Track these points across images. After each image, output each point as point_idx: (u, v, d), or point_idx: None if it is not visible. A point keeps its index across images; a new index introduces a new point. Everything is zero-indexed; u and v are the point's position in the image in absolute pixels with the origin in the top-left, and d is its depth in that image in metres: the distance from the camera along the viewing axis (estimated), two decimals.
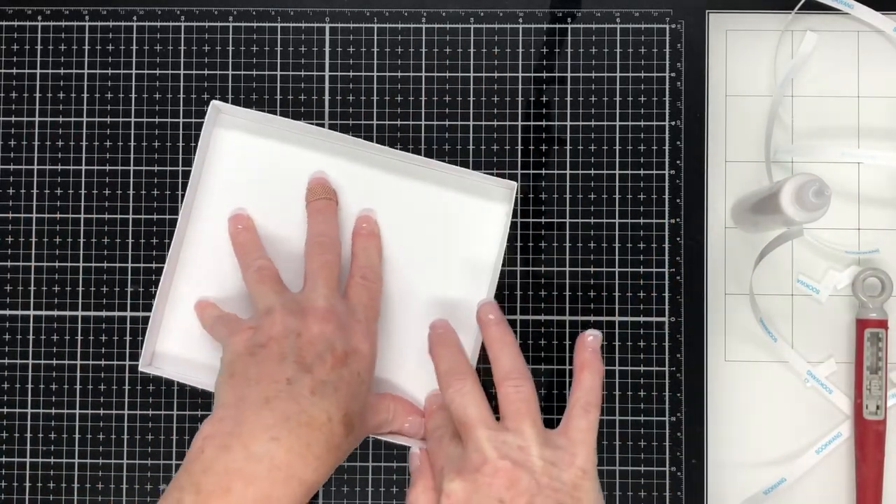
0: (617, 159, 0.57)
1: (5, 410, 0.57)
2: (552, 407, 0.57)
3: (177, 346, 0.54)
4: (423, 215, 0.55)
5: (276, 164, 0.55)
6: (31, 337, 0.57)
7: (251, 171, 0.55)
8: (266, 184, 0.55)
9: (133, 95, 0.58)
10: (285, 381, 0.45)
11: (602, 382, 0.48)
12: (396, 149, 0.55)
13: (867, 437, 0.55)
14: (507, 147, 0.58)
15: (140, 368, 0.53)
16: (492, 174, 0.55)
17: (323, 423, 0.45)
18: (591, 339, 0.49)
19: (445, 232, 0.54)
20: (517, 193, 0.55)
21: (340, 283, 0.51)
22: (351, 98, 0.58)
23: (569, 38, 0.58)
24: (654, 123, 0.58)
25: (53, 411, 0.57)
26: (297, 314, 0.48)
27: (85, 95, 0.58)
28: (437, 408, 0.52)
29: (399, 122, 0.58)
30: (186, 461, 0.45)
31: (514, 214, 0.57)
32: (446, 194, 0.55)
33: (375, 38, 0.58)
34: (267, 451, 0.44)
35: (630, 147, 0.57)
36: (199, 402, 0.57)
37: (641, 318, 0.57)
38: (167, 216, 0.58)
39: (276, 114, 0.58)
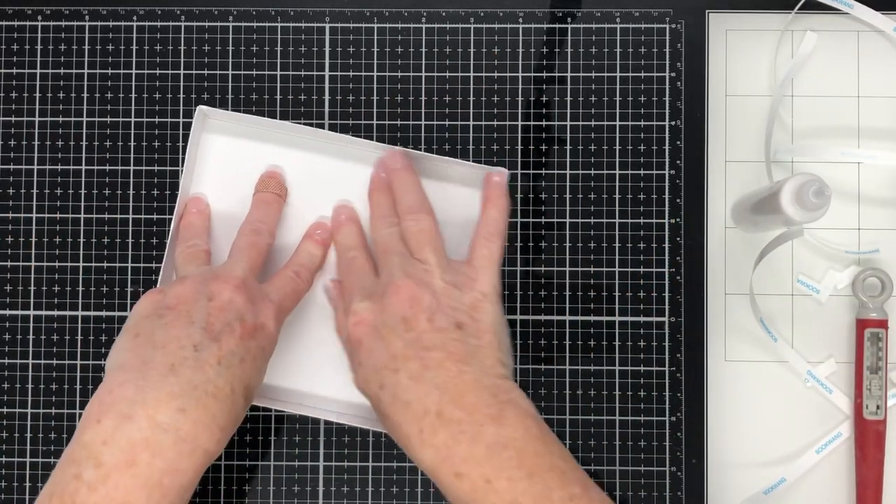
0: (617, 159, 0.57)
1: (5, 410, 0.57)
2: (552, 407, 0.57)
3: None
4: None
5: (265, 166, 0.55)
6: (31, 337, 0.57)
7: (241, 175, 0.55)
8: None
9: (133, 95, 0.58)
10: (192, 348, 0.44)
11: (506, 216, 0.52)
12: (396, 147, 0.55)
13: (867, 437, 0.55)
14: (507, 147, 0.58)
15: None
16: (489, 163, 0.55)
17: (227, 395, 0.45)
18: (496, 179, 0.53)
19: (442, 222, 0.54)
20: (510, 181, 0.55)
21: (265, 273, 0.52)
22: (351, 98, 0.58)
23: (569, 38, 0.58)
24: (654, 123, 0.58)
25: (53, 411, 0.57)
26: (211, 280, 0.48)
27: (85, 95, 0.58)
28: (345, 219, 0.54)
29: (399, 122, 0.58)
30: (79, 431, 0.43)
31: (514, 215, 0.57)
32: (440, 186, 0.55)
33: (375, 38, 0.58)
34: (173, 421, 0.43)
35: (630, 147, 0.57)
36: None
37: (641, 318, 0.57)
38: (167, 216, 0.58)
39: (276, 114, 0.58)
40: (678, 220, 0.57)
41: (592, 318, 0.57)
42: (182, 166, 0.56)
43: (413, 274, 0.48)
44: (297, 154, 0.56)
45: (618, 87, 0.58)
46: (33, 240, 0.58)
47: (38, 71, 0.59)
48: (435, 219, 0.51)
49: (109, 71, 0.58)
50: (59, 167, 0.58)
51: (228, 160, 0.56)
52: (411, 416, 0.45)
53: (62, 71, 0.58)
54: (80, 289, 0.57)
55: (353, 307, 0.49)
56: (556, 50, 0.58)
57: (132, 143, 0.58)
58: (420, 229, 0.51)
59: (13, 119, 0.58)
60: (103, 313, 0.57)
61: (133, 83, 0.58)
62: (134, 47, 0.58)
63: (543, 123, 0.58)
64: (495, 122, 0.58)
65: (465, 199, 0.55)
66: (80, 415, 0.56)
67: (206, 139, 0.55)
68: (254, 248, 0.51)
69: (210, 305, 0.46)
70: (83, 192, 0.58)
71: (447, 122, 0.58)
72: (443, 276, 0.49)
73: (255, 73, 0.58)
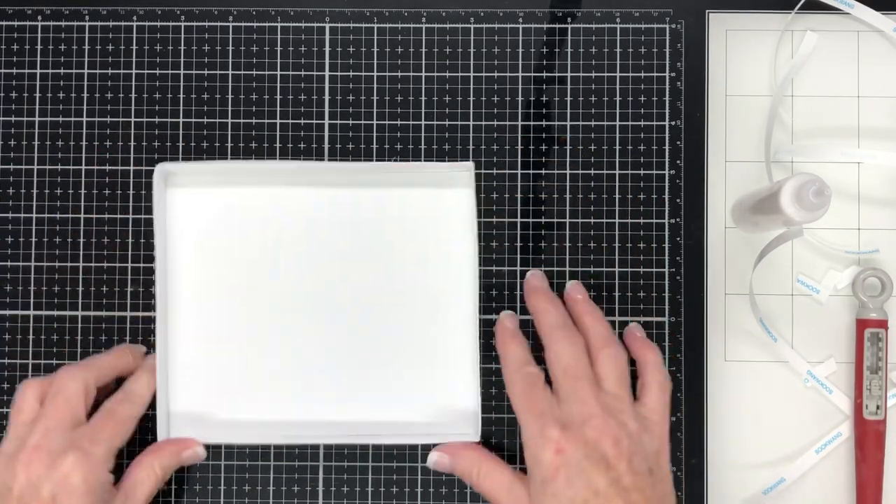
0: (617, 159, 0.57)
1: (5, 410, 0.57)
2: None
3: (189, 406, 0.56)
4: (393, 219, 0.55)
5: (237, 210, 0.56)
6: (31, 337, 0.57)
7: (213, 223, 0.56)
8: (231, 231, 0.56)
9: (133, 95, 0.58)
10: None
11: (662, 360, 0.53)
12: (397, 150, 0.55)
13: (867, 437, 0.55)
14: (507, 147, 0.58)
15: (159, 435, 0.55)
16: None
17: None
18: (638, 334, 0.54)
19: (418, 229, 0.55)
20: (473, 172, 0.55)
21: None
22: (351, 98, 0.58)
23: (569, 38, 0.58)
24: (654, 123, 0.58)
25: None
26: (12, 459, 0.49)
27: (85, 95, 0.58)
28: (510, 339, 0.53)
29: (399, 122, 0.58)
30: None
31: (514, 215, 0.57)
32: (410, 192, 0.55)
33: (375, 38, 0.58)
34: None
35: (630, 147, 0.57)
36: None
37: (641, 318, 0.57)
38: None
39: (276, 114, 0.58)
40: (678, 220, 0.57)
41: None
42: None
43: (611, 412, 0.48)
44: (267, 191, 0.56)
45: (618, 87, 0.58)
46: (33, 240, 0.58)
47: (38, 71, 0.59)
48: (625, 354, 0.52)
49: (109, 71, 0.58)
50: (59, 167, 0.58)
51: (198, 211, 0.56)
52: None
53: (62, 71, 0.58)
54: (80, 289, 0.57)
55: (550, 433, 0.48)
56: (556, 50, 0.58)
57: (132, 143, 0.58)
58: (617, 364, 0.50)
59: (13, 119, 0.58)
60: (103, 313, 0.57)
61: (133, 83, 0.58)
62: (134, 47, 0.58)
63: (543, 123, 0.58)
64: (495, 122, 0.58)
65: (431, 199, 0.55)
66: None
67: (171, 195, 0.56)
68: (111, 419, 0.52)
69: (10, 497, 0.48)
70: (83, 192, 0.58)
71: (447, 122, 0.58)
72: (635, 417, 0.49)
73: (255, 73, 0.58)
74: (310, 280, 0.55)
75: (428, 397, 0.55)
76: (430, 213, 0.55)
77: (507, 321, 0.54)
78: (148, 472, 0.52)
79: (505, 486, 0.50)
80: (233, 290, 0.56)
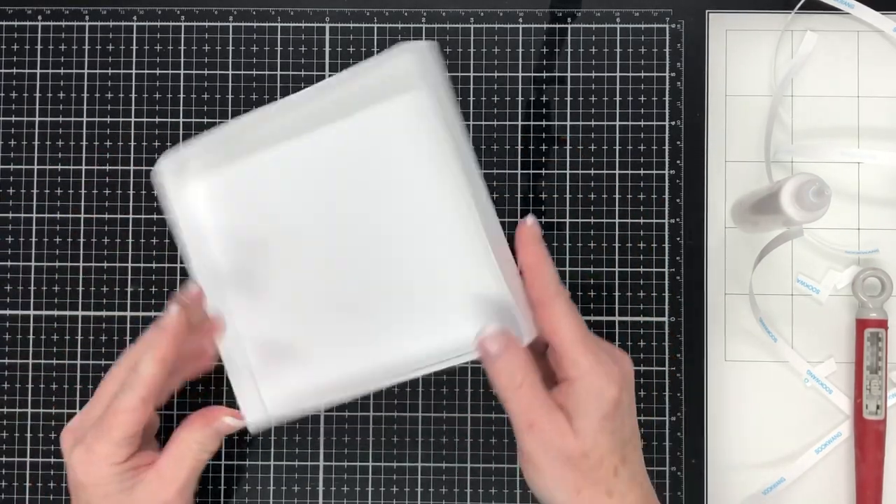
0: (617, 159, 0.57)
1: (5, 410, 0.57)
2: None
3: (281, 387, 0.52)
4: (366, 152, 0.50)
5: (254, 182, 0.52)
6: (31, 337, 0.57)
7: (234, 205, 0.52)
8: (255, 206, 0.52)
9: (133, 95, 0.58)
10: None
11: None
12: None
13: (867, 437, 0.55)
14: (507, 147, 0.58)
15: (252, 428, 0.51)
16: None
17: None
18: (529, 223, 0.48)
19: (386, 157, 0.50)
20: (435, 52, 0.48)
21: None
22: None
23: (569, 38, 0.58)
24: (654, 123, 0.58)
25: (53, 411, 0.57)
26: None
27: (85, 95, 0.58)
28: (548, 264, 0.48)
29: None
30: None
31: (514, 215, 0.57)
32: (361, 118, 0.50)
33: (375, 38, 0.58)
34: None
35: (630, 147, 0.57)
36: (199, 402, 0.57)
37: (641, 318, 0.57)
38: (167, 216, 0.58)
39: None
40: (678, 220, 0.57)
41: (592, 318, 0.57)
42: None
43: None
44: (280, 147, 0.51)
45: (618, 87, 0.58)
46: (33, 240, 0.58)
47: (38, 71, 0.59)
48: None
49: (109, 71, 0.58)
50: (59, 167, 0.58)
51: (215, 198, 0.52)
52: None
53: (62, 71, 0.58)
54: (80, 289, 0.57)
55: (612, 371, 0.46)
56: (556, 50, 0.58)
57: (132, 143, 0.58)
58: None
59: (13, 119, 0.58)
60: (103, 313, 0.57)
61: (133, 83, 0.58)
62: (134, 47, 0.58)
63: (543, 123, 0.58)
64: (495, 122, 0.58)
65: (381, 120, 0.50)
66: None
67: (183, 195, 0.52)
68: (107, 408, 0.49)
69: None
70: (83, 192, 0.58)
71: None
72: None
73: (255, 73, 0.58)
74: (327, 237, 0.51)
75: (461, 310, 0.49)
76: (388, 135, 0.49)
77: (529, 221, 0.49)
78: (183, 450, 0.48)
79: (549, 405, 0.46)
80: (269, 264, 0.52)
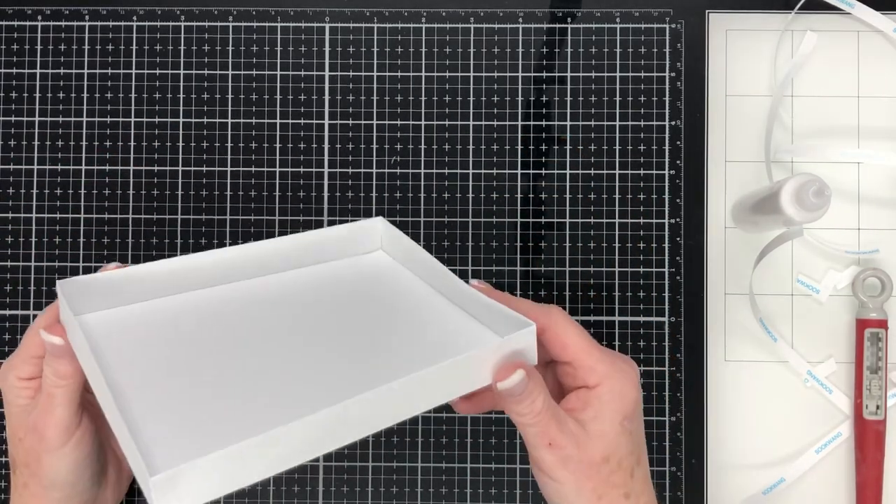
0: (617, 159, 0.57)
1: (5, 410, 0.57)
2: None
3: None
4: (329, 289, 0.50)
5: (161, 322, 0.48)
6: None
7: (139, 338, 0.47)
8: (162, 342, 0.46)
9: (133, 95, 0.58)
10: None
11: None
12: (397, 150, 0.55)
13: (867, 437, 0.55)
14: (507, 147, 0.58)
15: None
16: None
17: None
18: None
19: (357, 298, 0.50)
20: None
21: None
22: (351, 98, 0.58)
23: (569, 38, 0.58)
24: (654, 123, 0.58)
25: None
26: None
27: (85, 95, 0.58)
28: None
29: (399, 122, 0.58)
30: None
31: (514, 214, 0.57)
32: (326, 268, 0.52)
33: (375, 38, 0.58)
34: None
35: (630, 147, 0.57)
36: None
37: (641, 318, 0.57)
38: (167, 216, 0.58)
39: (276, 114, 0.58)
40: (678, 220, 0.57)
41: (592, 318, 0.57)
42: (182, 166, 0.56)
43: None
44: (185, 298, 0.49)
45: (618, 87, 0.58)
46: (33, 240, 0.58)
47: (38, 71, 0.59)
48: None
49: (109, 71, 0.58)
50: (59, 167, 0.58)
51: (121, 331, 0.47)
52: None
53: (62, 71, 0.58)
54: None
55: (631, 373, 0.46)
56: (556, 50, 0.58)
57: (132, 143, 0.58)
58: None
59: (13, 119, 0.58)
60: None
61: (133, 83, 0.58)
62: (134, 47, 0.58)
63: (543, 123, 0.58)
64: (495, 122, 0.58)
65: (349, 269, 0.52)
66: None
67: (83, 321, 0.47)
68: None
69: None
70: (83, 192, 0.58)
71: (447, 122, 0.58)
72: None
73: (255, 73, 0.58)
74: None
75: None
76: (356, 280, 0.51)
77: (475, 282, 0.48)
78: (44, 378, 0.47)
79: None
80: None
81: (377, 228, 0.53)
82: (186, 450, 0.37)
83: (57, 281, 0.45)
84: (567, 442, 0.44)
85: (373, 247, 0.53)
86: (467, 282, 0.47)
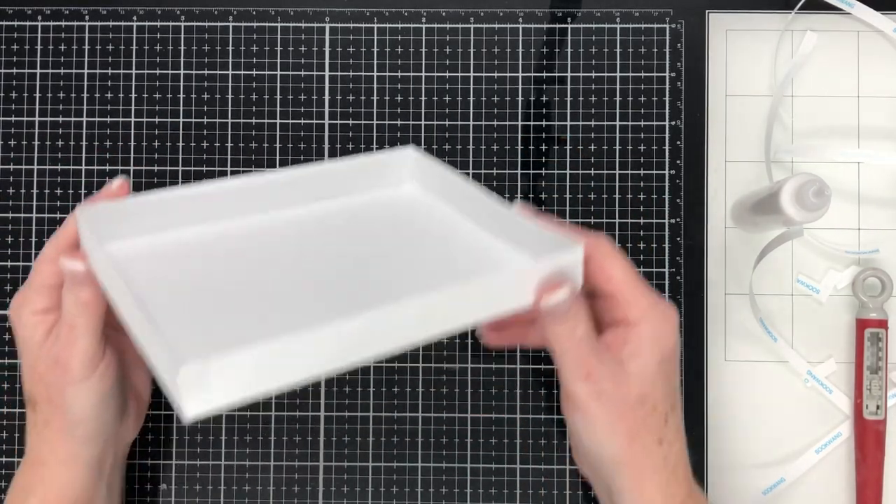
0: (617, 159, 0.57)
1: (5, 410, 0.57)
2: (554, 407, 0.57)
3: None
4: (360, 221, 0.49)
5: (193, 251, 0.46)
6: None
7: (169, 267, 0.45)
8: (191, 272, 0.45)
9: (133, 95, 0.58)
10: None
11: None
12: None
13: (867, 437, 0.55)
14: (507, 147, 0.58)
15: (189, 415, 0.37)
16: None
17: None
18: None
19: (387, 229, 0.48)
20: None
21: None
22: (351, 98, 0.58)
23: (569, 38, 0.58)
24: (654, 123, 0.58)
25: None
26: None
27: (85, 95, 0.58)
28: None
29: (399, 122, 0.58)
30: None
31: None
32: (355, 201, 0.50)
33: (375, 38, 0.58)
34: None
35: (630, 147, 0.57)
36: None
37: None
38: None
39: (276, 114, 0.58)
40: (678, 220, 0.57)
41: None
42: (181, 166, 0.56)
43: None
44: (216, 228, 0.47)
45: (618, 87, 0.58)
46: (33, 240, 0.58)
47: (38, 71, 0.59)
48: None
49: (109, 71, 0.58)
50: (59, 167, 0.58)
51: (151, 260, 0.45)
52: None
53: (62, 71, 0.58)
54: None
55: (670, 314, 0.45)
56: (556, 50, 0.58)
57: (132, 143, 0.58)
58: None
59: (13, 119, 0.58)
60: None
61: (133, 83, 0.58)
62: (134, 47, 0.58)
63: (543, 123, 0.58)
64: (495, 122, 0.58)
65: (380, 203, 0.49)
66: None
67: (107, 253, 0.44)
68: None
69: None
70: (83, 191, 0.58)
71: (447, 122, 0.58)
72: None
73: (255, 73, 0.58)
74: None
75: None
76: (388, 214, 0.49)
77: (520, 203, 0.47)
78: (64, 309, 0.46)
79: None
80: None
81: (409, 157, 0.51)
82: (217, 346, 0.36)
83: (77, 208, 0.44)
84: (604, 375, 0.43)
85: (405, 178, 0.51)
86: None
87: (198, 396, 0.35)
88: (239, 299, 0.43)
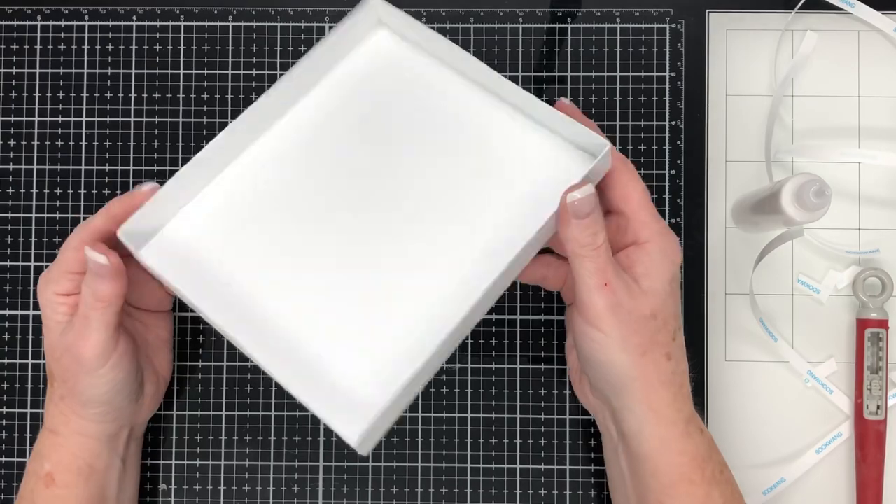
0: None
1: (5, 410, 0.57)
2: (553, 407, 0.57)
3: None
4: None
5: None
6: (31, 337, 0.57)
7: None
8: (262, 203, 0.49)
9: (133, 95, 0.58)
10: None
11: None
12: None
13: (867, 437, 0.55)
14: None
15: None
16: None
17: None
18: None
19: (384, 98, 0.50)
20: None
21: None
22: None
23: (569, 37, 0.58)
24: (654, 123, 0.58)
25: None
26: None
27: (85, 95, 0.58)
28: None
29: None
30: None
31: None
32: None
33: None
34: None
35: (630, 147, 0.57)
36: (198, 402, 0.57)
37: None
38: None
39: None
40: (678, 220, 0.57)
41: None
42: (181, 166, 0.56)
43: None
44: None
45: (618, 87, 0.58)
46: (33, 240, 0.58)
47: (38, 71, 0.59)
48: None
49: (109, 71, 0.58)
50: (59, 167, 0.58)
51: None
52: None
53: (62, 71, 0.58)
54: None
55: (674, 239, 0.48)
56: (556, 50, 0.58)
57: (132, 143, 0.58)
58: None
59: (13, 119, 0.58)
60: None
61: (133, 83, 0.58)
62: (134, 47, 0.58)
63: None
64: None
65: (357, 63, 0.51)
66: None
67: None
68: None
69: None
70: (83, 192, 0.58)
71: None
72: None
73: (254, 72, 0.58)
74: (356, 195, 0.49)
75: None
76: (370, 80, 0.51)
77: (566, 101, 0.50)
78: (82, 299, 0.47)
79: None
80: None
81: (374, 7, 0.50)
82: (367, 395, 0.44)
83: (118, 232, 0.46)
84: (621, 287, 0.45)
85: (371, 25, 0.51)
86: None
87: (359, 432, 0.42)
88: (322, 259, 0.47)
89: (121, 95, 0.58)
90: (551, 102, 0.48)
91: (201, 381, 0.57)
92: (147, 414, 0.54)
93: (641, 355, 0.45)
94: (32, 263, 0.58)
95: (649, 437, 0.46)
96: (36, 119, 0.58)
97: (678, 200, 0.57)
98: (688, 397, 0.48)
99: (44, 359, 0.57)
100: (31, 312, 0.58)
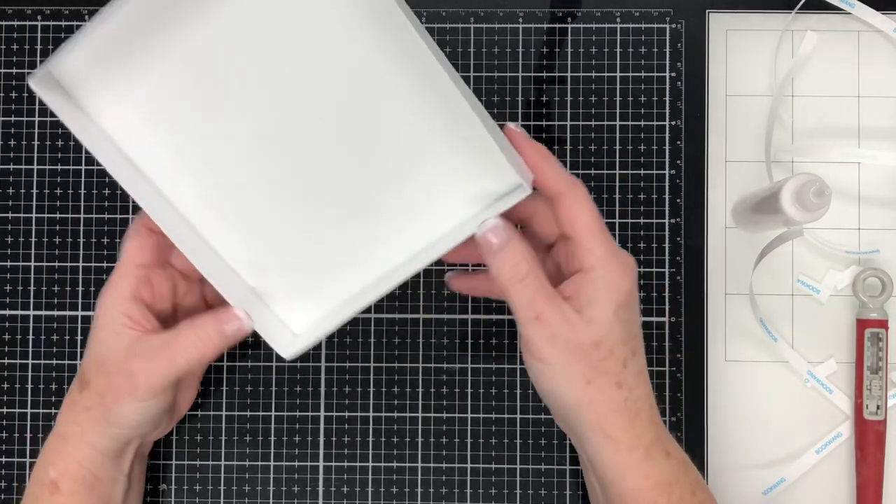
0: (617, 159, 0.57)
1: (5, 410, 0.57)
2: None
3: (299, 308, 0.52)
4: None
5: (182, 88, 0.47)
6: (30, 337, 0.57)
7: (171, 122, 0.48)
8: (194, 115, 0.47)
9: None
10: None
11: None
12: None
13: (867, 437, 0.55)
14: None
15: (287, 354, 0.49)
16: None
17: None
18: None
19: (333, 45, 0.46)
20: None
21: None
22: None
23: (569, 38, 0.58)
24: (654, 123, 0.58)
25: (53, 411, 0.57)
26: None
27: None
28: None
29: None
30: None
31: None
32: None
33: None
34: None
35: (630, 147, 0.57)
36: (198, 402, 0.57)
37: (642, 318, 0.57)
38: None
39: None
40: (678, 220, 0.57)
41: None
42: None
43: None
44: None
45: (618, 87, 0.58)
46: (33, 240, 0.58)
47: None
48: None
49: None
50: (59, 167, 0.58)
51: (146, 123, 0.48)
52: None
53: None
54: (80, 289, 0.57)
55: (627, 261, 0.46)
56: (556, 50, 0.58)
57: None
58: None
59: (13, 119, 0.58)
60: None
61: None
62: None
63: (544, 123, 0.58)
64: (496, 122, 0.57)
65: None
66: None
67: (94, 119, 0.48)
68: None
69: None
70: (83, 192, 0.58)
71: None
72: None
73: None
74: (291, 142, 0.48)
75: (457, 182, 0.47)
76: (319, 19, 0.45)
77: (511, 125, 0.47)
78: (184, 339, 0.48)
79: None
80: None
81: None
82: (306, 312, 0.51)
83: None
84: (555, 317, 0.43)
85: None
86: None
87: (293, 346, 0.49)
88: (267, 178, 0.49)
89: None
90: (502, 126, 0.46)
91: (201, 381, 0.57)
92: (155, 437, 0.54)
93: (587, 384, 0.44)
94: (32, 263, 0.58)
95: (609, 464, 0.45)
96: (36, 119, 0.58)
97: (678, 200, 0.57)
98: (649, 422, 0.45)
99: (45, 359, 0.57)
100: (31, 312, 0.58)
